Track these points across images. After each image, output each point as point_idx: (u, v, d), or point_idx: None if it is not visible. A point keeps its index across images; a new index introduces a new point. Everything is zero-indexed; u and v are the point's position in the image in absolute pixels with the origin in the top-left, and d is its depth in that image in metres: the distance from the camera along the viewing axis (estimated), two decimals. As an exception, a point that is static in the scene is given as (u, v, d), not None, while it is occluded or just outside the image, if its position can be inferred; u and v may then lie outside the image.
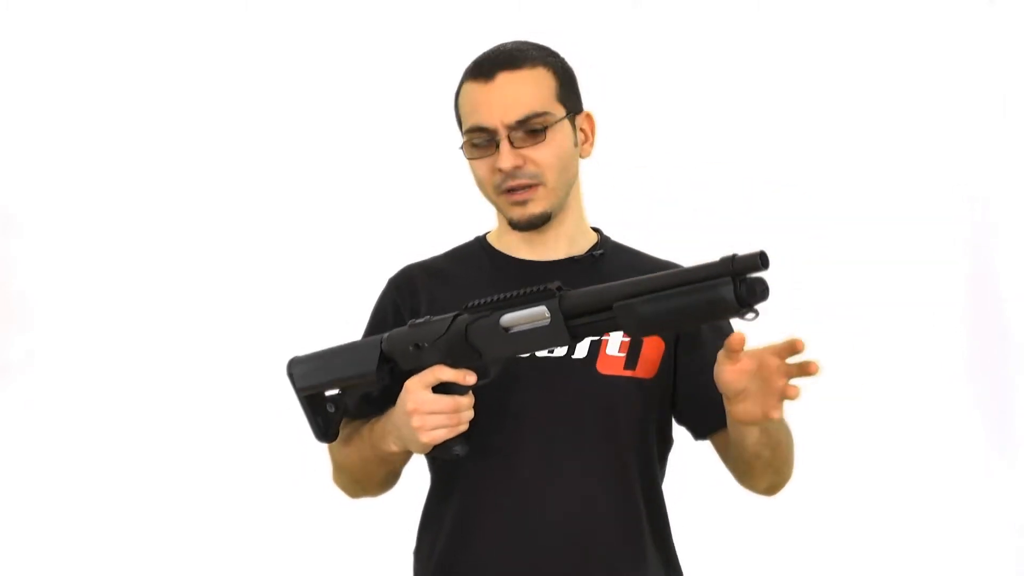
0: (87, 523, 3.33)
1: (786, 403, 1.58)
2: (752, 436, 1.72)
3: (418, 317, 1.83)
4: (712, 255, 1.53)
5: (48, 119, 3.41)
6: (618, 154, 3.13)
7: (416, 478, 1.97)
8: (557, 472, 1.80)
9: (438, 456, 1.76)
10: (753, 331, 2.01)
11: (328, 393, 1.87)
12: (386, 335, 1.80)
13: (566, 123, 1.85)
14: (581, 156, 1.90)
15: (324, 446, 1.95)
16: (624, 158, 3.20)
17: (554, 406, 1.80)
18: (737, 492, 1.97)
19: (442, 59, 3.27)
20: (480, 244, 1.97)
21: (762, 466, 1.80)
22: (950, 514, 3.38)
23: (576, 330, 1.62)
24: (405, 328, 1.78)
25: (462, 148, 1.87)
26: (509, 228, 1.90)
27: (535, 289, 1.66)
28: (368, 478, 1.93)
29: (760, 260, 1.48)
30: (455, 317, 1.72)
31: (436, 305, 1.88)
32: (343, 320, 2.18)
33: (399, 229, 3.26)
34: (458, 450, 1.74)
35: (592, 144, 1.92)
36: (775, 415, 1.58)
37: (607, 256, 1.92)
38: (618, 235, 1.99)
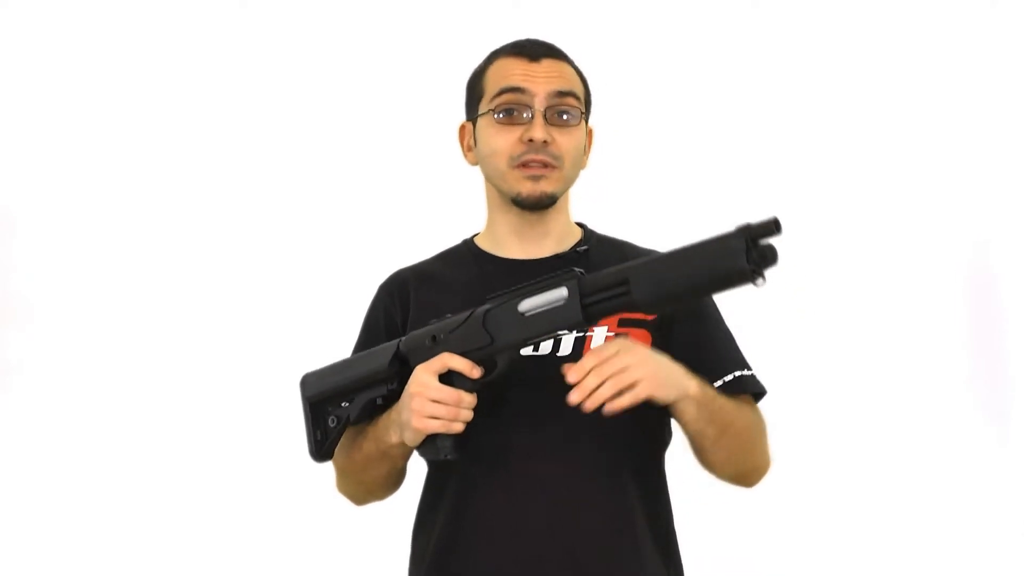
0: (87, 523, 3.33)
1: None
2: (688, 412, 1.74)
3: (408, 320, 1.88)
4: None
5: (48, 119, 3.42)
6: (616, 154, 3.14)
7: (411, 481, 1.97)
8: (546, 471, 1.80)
9: (426, 455, 1.77)
10: (753, 336, 2.01)
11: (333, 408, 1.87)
12: (405, 337, 1.82)
13: (584, 123, 1.91)
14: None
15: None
16: (622, 158, 3.21)
17: (541, 405, 1.80)
18: (738, 491, 1.96)
19: (436, 61, 3.30)
20: (467, 246, 1.99)
21: (710, 444, 1.79)
22: (951, 513, 3.38)
23: (590, 310, 1.65)
24: (425, 327, 1.81)
25: (473, 119, 1.90)
26: (498, 227, 1.92)
27: (556, 274, 1.69)
28: (372, 479, 1.93)
29: (774, 225, 1.53)
30: (475, 309, 1.75)
31: (425, 308, 1.90)
32: (340, 325, 2.18)
33: (391, 233, 3.27)
34: (447, 452, 1.74)
35: (588, 156, 1.97)
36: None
37: (591, 251, 1.94)
38: (608, 230, 2.00)
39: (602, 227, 2.02)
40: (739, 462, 1.84)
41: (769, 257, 1.55)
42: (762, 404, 1.91)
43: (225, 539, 3.30)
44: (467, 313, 1.75)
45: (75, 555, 3.32)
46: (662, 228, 2.96)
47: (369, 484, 1.95)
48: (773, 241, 1.55)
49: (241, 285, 3.37)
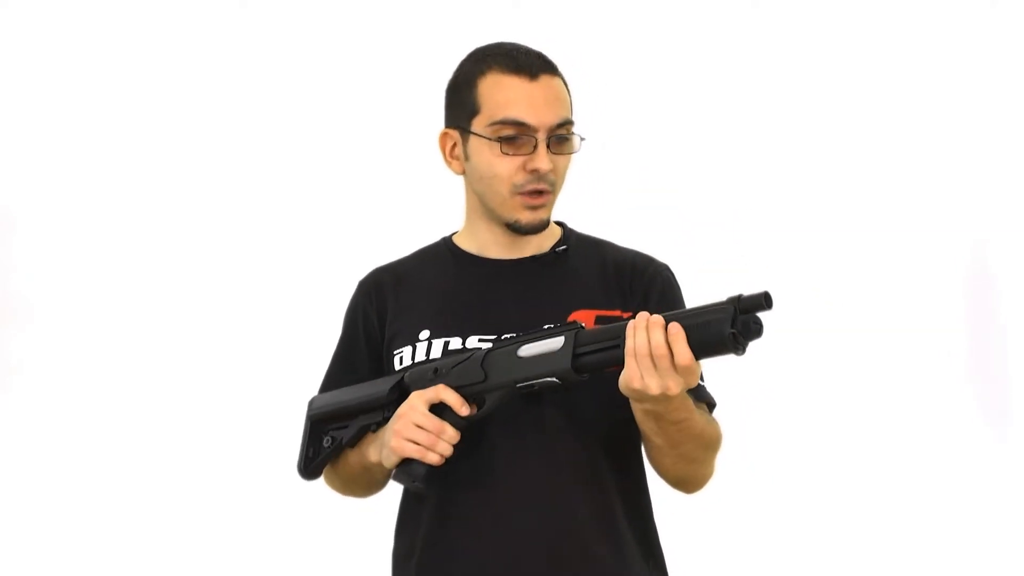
0: (87, 523, 3.34)
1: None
2: (638, 413, 1.75)
3: (386, 321, 1.90)
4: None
5: (48, 119, 3.43)
6: (615, 153, 3.14)
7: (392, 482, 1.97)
8: (526, 469, 1.81)
9: (397, 479, 1.81)
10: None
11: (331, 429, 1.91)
12: (410, 368, 1.85)
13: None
14: None
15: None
16: (620, 158, 3.21)
17: (522, 407, 1.81)
18: (727, 485, 1.96)
19: (437, 61, 3.29)
20: (446, 245, 1.98)
21: (657, 451, 1.82)
22: (951, 513, 3.38)
23: (580, 360, 1.70)
24: (430, 361, 1.84)
25: (463, 131, 1.87)
26: (480, 233, 1.92)
27: (558, 325, 1.73)
28: (352, 483, 1.98)
29: (764, 300, 1.56)
30: (478, 349, 1.79)
31: (403, 309, 1.91)
32: (332, 317, 2.18)
33: (372, 229, 3.27)
34: (418, 479, 1.77)
35: None
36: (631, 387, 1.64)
37: (571, 251, 1.94)
38: (591, 229, 2.00)
39: (584, 226, 2.01)
40: (688, 477, 1.87)
41: (753, 329, 1.58)
42: (764, 402, 1.92)
43: (216, 535, 3.32)
44: (470, 351, 1.79)
45: (75, 555, 3.32)
46: (659, 230, 2.99)
47: (350, 488, 1.99)
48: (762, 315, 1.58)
49: (239, 284, 3.38)
